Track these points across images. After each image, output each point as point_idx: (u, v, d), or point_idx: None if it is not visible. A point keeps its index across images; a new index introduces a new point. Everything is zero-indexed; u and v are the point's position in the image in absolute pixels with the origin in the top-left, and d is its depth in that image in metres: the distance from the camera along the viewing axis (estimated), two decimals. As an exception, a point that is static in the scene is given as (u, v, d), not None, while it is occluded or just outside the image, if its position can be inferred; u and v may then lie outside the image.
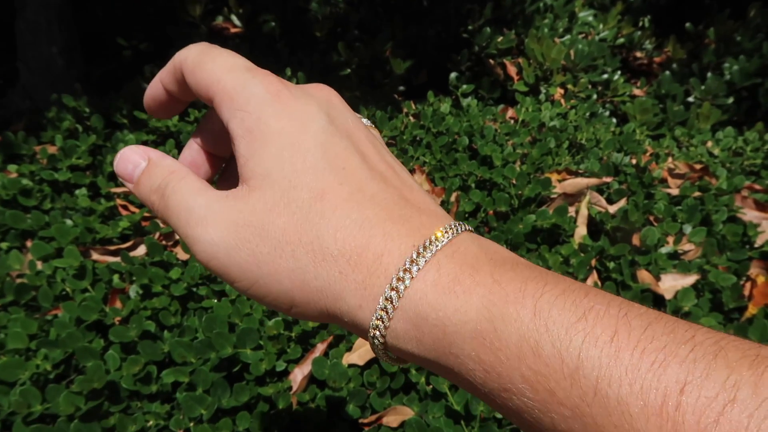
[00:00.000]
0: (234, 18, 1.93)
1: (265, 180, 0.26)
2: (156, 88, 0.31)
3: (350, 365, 0.82)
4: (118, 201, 1.14)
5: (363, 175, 0.26)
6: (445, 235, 0.25)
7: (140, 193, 0.29)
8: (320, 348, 0.85)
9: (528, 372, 0.21)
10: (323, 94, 0.29)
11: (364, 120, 0.31)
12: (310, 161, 0.26)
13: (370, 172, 0.27)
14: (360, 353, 0.83)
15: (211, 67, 0.27)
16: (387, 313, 0.24)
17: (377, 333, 0.25)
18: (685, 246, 1.05)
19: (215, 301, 0.91)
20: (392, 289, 0.24)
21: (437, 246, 0.24)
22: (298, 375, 0.82)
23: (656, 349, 0.19)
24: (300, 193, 0.25)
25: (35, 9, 1.68)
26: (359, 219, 0.25)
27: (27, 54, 1.73)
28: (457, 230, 0.26)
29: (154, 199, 0.28)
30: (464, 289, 0.23)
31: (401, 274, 0.24)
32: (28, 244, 1.03)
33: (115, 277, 0.94)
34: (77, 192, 1.14)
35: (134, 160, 0.30)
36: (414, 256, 0.24)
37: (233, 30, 1.99)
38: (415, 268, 0.24)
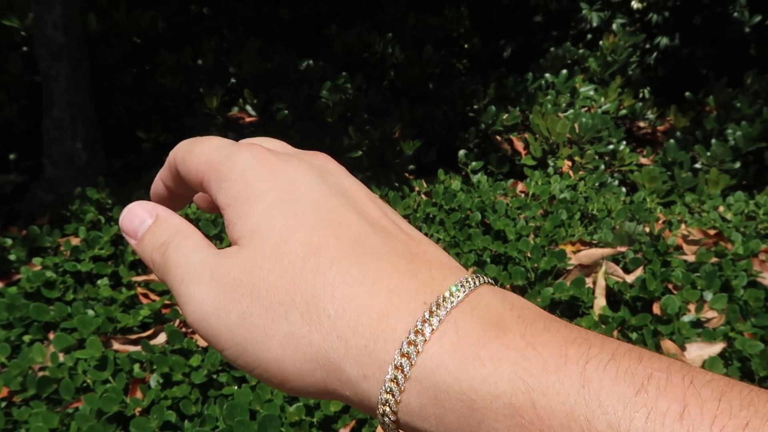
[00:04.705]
0: (248, 108, 2.02)
1: (254, 235, 0.23)
2: (157, 186, 0.31)
3: (374, 451, 0.80)
4: (139, 289, 1.16)
5: (363, 229, 0.24)
6: (461, 289, 0.22)
7: (143, 250, 0.27)
8: (343, 433, 0.83)
9: None
10: (317, 159, 0.27)
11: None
12: (301, 216, 0.24)
13: (371, 227, 0.24)
14: (384, 438, 0.81)
15: (199, 150, 0.27)
16: (398, 384, 0.20)
17: (387, 409, 0.21)
18: (708, 313, 1.04)
19: (236, 387, 0.90)
20: (402, 354, 0.20)
21: (452, 302, 0.21)
22: (322, 463, 0.80)
23: (738, 427, 0.16)
24: (292, 247, 0.23)
25: (61, 107, 1.78)
26: (359, 275, 0.22)
27: (52, 149, 1.81)
28: (474, 283, 0.22)
29: (156, 256, 0.27)
30: (491, 354, 0.20)
31: (412, 336, 0.20)
32: (51, 335, 1.04)
33: (136, 367, 0.95)
34: (99, 282, 1.17)
35: (141, 216, 0.28)
36: (426, 315, 0.21)
37: (248, 119, 2.07)
38: (428, 329, 0.20)
